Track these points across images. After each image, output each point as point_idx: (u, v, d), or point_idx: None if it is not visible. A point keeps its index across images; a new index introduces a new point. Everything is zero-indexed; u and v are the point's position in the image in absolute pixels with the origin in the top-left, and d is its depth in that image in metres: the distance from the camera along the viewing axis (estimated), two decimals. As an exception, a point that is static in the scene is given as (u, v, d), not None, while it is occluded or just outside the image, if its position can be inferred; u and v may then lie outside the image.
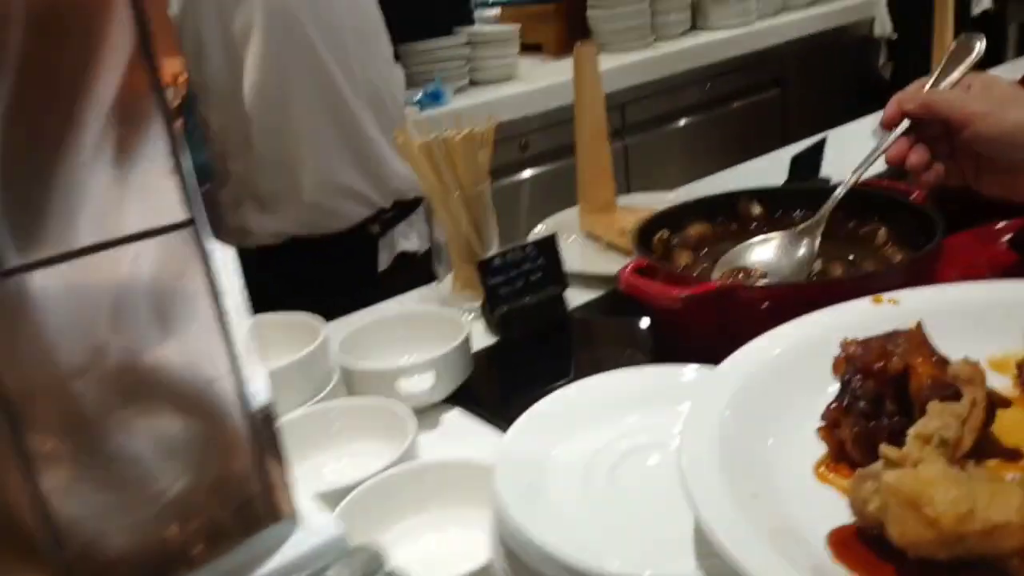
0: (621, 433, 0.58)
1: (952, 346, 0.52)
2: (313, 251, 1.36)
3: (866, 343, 0.52)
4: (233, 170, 1.34)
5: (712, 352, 0.76)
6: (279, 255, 1.37)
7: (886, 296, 0.65)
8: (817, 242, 0.79)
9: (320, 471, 0.69)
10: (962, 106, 0.71)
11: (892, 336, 0.52)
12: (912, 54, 1.97)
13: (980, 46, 0.80)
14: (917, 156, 0.73)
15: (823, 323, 0.61)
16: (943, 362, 0.50)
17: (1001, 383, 0.53)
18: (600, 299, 1.01)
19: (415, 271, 1.02)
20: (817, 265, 0.79)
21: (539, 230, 1.16)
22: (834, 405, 0.50)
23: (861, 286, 0.71)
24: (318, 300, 1.24)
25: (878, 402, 0.48)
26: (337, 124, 1.31)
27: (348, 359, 0.79)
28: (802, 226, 0.81)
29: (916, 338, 0.52)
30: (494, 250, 0.99)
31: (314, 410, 0.71)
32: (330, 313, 1.04)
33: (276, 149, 1.29)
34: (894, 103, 0.76)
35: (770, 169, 1.16)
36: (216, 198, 1.39)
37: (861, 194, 0.88)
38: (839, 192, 0.80)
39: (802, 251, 0.80)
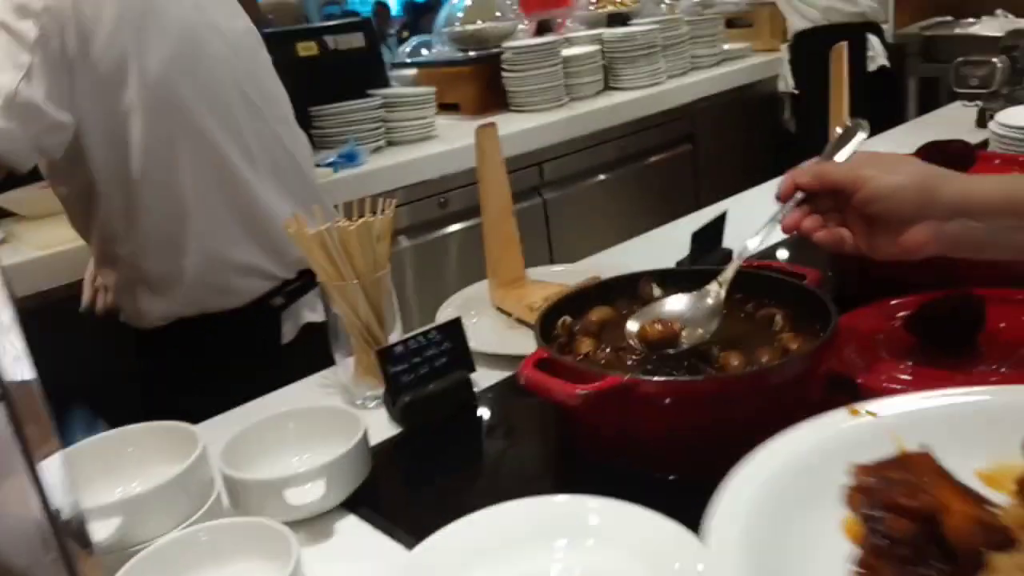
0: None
1: (942, 460, 0.50)
2: (212, 328, 1.30)
3: (881, 474, 0.49)
4: (121, 254, 1.27)
5: (618, 440, 0.75)
6: (177, 334, 1.31)
7: (862, 408, 0.64)
8: (722, 296, 0.81)
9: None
10: (852, 171, 0.76)
11: (903, 463, 0.49)
12: (813, 107, 2.06)
13: (864, 130, 0.84)
14: (811, 221, 0.78)
15: (807, 441, 0.60)
16: (979, 499, 0.46)
17: (998, 498, 0.49)
18: (511, 378, 0.98)
19: (323, 342, 0.97)
20: (716, 350, 0.79)
21: (447, 311, 1.13)
22: (868, 548, 0.46)
23: (760, 380, 0.71)
24: (218, 379, 1.19)
25: (917, 546, 0.44)
26: (229, 198, 1.26)
27: (230, 469, 0.74)
28: (708, 286, 0.83)
29: (931, 467, 0.48)
30: (396, 335, 0.96)
31: (184, 535, 0.65)
32: (230, 391, 0.99)
33: (162, 229, 1.24)
34: (788, 179, 0.80)
35: (675, 238, 1.17)
36: (106, 284, 1.33)
37: (758, 277, 0.89)
38: (736, 262, 0.82)
39: (710, 302, 0.82)
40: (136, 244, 1.25)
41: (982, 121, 1.86)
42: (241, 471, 0.76)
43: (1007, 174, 0.92)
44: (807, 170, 0.79)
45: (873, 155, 0.80)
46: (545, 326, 0.84)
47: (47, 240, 1.64)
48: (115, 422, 0.79)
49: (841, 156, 0.83)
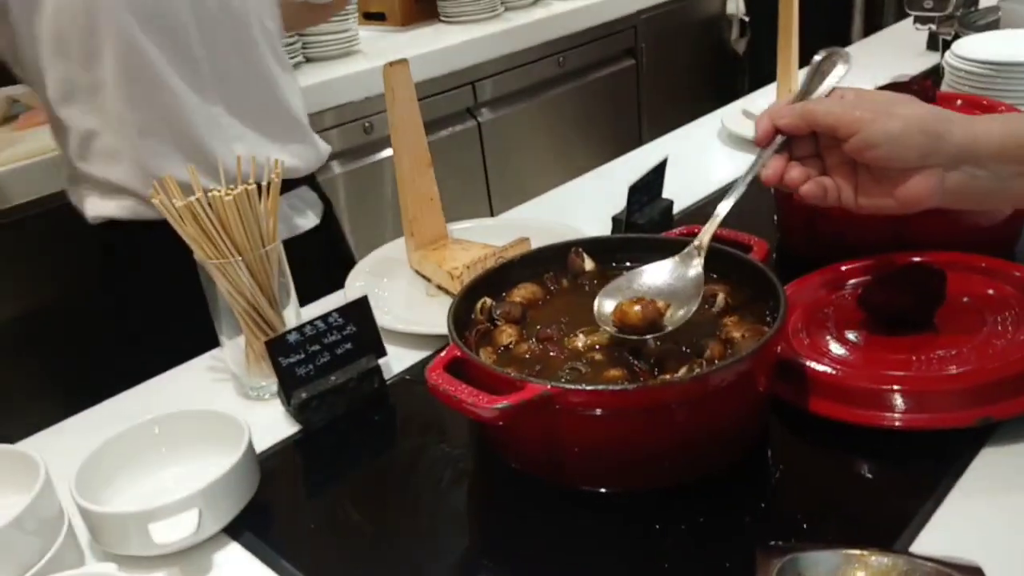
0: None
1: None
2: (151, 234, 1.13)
3: None
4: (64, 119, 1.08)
5: (543, 452, 0.66)
6: (122, 239, 1.14)
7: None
8: (701, 266, 0.72)
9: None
10: (846, 112, 0.66)
11: None
12: (763, 30, 1.95)
13: (846, 63, 0.74)
14: (797, 172, 0.68)
15: None
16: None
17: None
18: (430, 359, 0.87)
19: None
20: (649, 340, 0.70)
21: (358, 277, 1.01)
22: None
23: (698, 385, 0.62)
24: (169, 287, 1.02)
25: None
26: (160, 115, 1.07)
27: (84, 499, 0.62)
28: (684, 251, 0.73)
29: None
30: (292, 316, 0.84)
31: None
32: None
33: (78, 123, 1.07)
34: (766, 118, 0.69)
35: (615, 182, 1.06)
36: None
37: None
38: (712, 225, 0.72)
39: (691, 273, 0.72)
40: (62, 126, 1.08)
41: (933, 44, 1.77)
42: (99, 496, 0.65)
43: (1009, 113, 0.82)
44: (788, 110, 0.68)
45: (861, 93, 0.69)
46: (461, 312, 0.73)
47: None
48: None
49: (822, 89, 0.72)
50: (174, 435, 0.71)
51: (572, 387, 0.61)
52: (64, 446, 0.71)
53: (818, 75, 0.74)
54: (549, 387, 0.61)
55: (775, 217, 1.04)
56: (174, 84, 1.06)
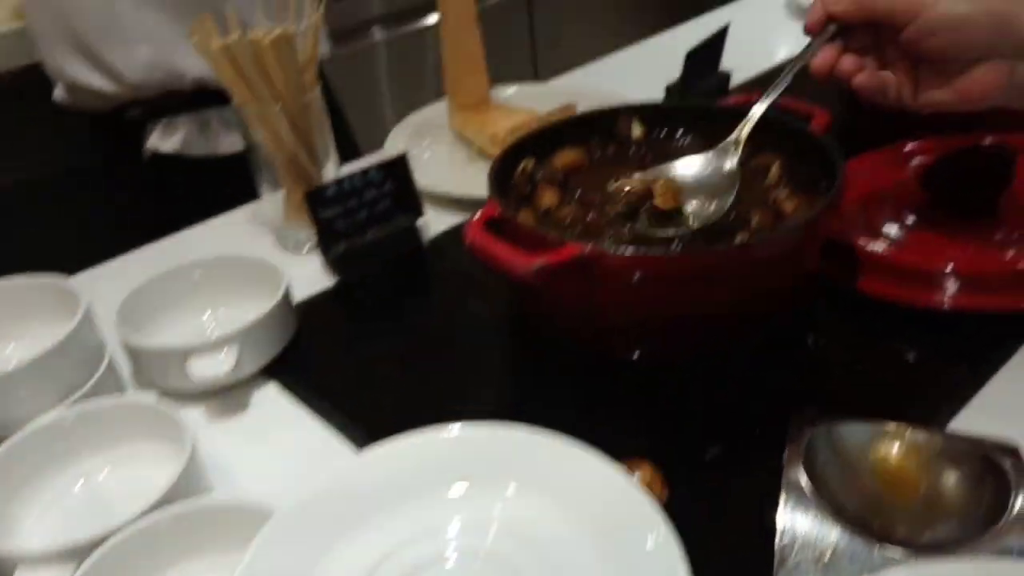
0: (414, 532, 0.46)
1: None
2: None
3: None
4: None
5: (579, 316, 0.65)
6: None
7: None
8: (737, 161, 0.67)
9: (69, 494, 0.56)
10: None
11: None
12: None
13: None
14: (849, 62, 0.63)
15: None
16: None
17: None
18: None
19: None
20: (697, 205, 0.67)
21: (398, 138, 0.98)
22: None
23: (743, 254, 0.60)
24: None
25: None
26: None
27: (127, 331, 0.64)
28: (720, 146, 0.69)
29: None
30: (331, 169, 0.83)
31: (55, 420, 0.56)
32: None
33: None
34: (818, 6, 0.64)
35: (670, 49, 1.00)
36: None
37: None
38: (752, 119, 0.67)
39: (728, 165, 0.68)
40: None
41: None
42: (139, 333, 0.66)
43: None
44: None
45: None
46: (501, 172, 0.71)
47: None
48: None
49: None
50: (214, 280, 0.71)
51: (612, 250, 0.59)
52: (106, 286, 0.73)
53: None
54: (588, 248, 0.59)
55: (838, 100, 0.99)
56: None
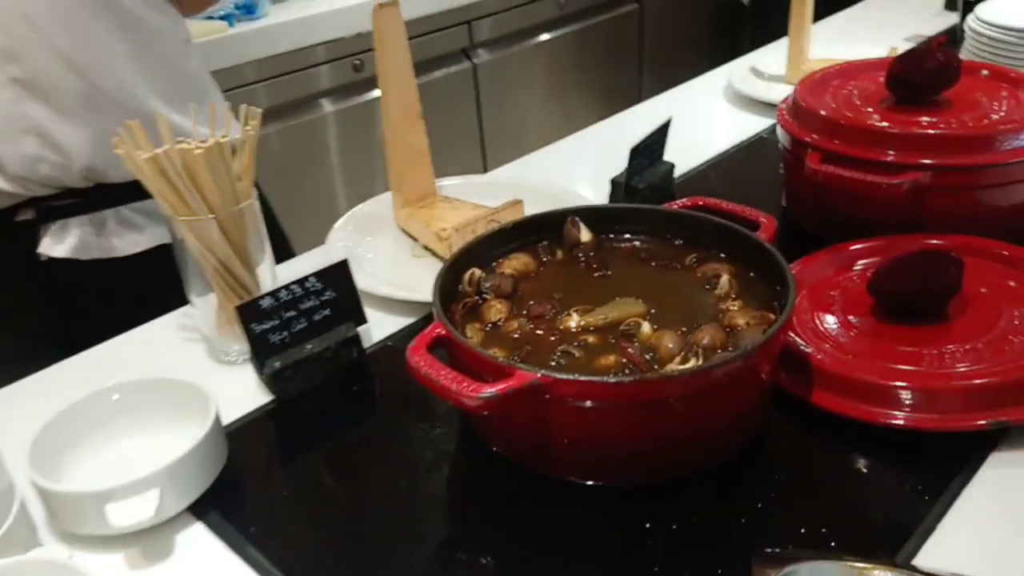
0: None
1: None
2: None
3: None
4: None
5: (530, 441, 0.62)
6: None
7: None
8: None
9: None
10: None
11: None
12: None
13: None
14: None
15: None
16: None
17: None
18: (414, 326, 0.83)
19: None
20: (647, 325, 0.65)
21: (340, 235, 0.95)
22: None
23: (701, 379, 0.58)
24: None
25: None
26: None
27: (38, 473, 0.58)
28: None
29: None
30: (267, 273, 0.79)
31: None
32: None
33: None
34: None
35: (616, 139, 1.00)
36: None
37: (704, 223, 0.75)
38: None
39: None
40: None
41: (951, 4, 1.70)
42: (55, 469, 0.61)
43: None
44: None
45: None
46: (447, 285, 0.68)
47: None
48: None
49: None
50: (136, 404, 0.66)
51: (564, 376, 0.57)
52: (20, 411, 0.67)
53: None
54: (539, 375, 0.56)
55: (783, 201, 0.99)
56: None
